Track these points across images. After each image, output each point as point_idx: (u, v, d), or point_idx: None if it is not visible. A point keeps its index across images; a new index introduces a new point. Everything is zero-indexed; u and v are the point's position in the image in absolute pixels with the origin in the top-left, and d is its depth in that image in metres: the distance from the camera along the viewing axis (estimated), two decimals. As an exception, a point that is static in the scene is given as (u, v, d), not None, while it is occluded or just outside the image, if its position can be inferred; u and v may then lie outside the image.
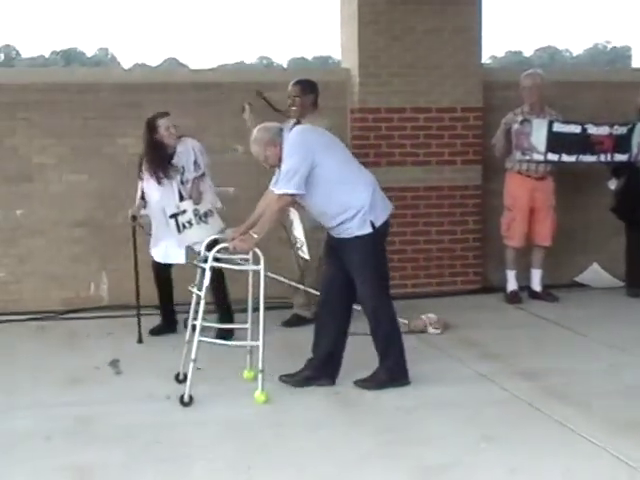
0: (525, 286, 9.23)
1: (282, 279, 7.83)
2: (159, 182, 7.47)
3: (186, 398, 5.97)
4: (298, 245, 6.80)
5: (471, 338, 7.71)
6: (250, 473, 4.94)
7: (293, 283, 8.07)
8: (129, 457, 5.17)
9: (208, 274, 6.11)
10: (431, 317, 8.03)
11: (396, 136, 9.28)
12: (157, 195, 7.53)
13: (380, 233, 6.27)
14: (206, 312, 6.21)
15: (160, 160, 7.48)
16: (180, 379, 6.35)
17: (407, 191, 9.32)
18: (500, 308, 8.95)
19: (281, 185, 6.12)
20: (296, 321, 8.17)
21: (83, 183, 8.29)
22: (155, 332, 7.74)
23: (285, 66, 58.41)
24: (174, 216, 7.42)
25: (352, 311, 6.54)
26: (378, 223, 6.21)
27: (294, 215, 6.63)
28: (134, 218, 7.57)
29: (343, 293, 6.38)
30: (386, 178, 9.16)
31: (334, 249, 6.39)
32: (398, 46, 9.20)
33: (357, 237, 6.19)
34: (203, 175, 7.65)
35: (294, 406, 6.02)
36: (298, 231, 6.74)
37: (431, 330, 7.90)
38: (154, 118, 7.50)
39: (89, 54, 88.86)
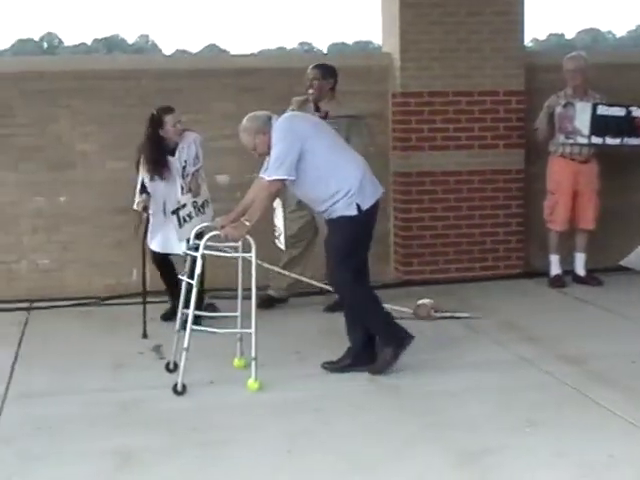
0: (569, 270, 9.16)
1: (267, 265, 7.83)
2: (162, 178, 7.43)
3: (179, 387, 5.94)
4: (276, 234, 6.76)
5: (514, 322, 7.67)
6: (291, 457, 4.96)
7: (276, 268, 8.10)
8: (171, 441, 5.20)
9: (200, 262, 6.09)
10: (428, 302, 8.00)
11: (438, 120, 9.23)
12: (159, 190, 7.48)
13: (366, 216, 6.23)
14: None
15: (162, 156, 7.44)
16: (171, 368, 6.34)
17: (450, 175, 9.28)
18: (543, 292, 8.90)
19: (271, 172, 6.09)
20: (270, 302, 8.26)
21: (125, 170, 8.29)
22: (167, 317, 7.68)
23: (325, 51, 58.35)
24: (176, 211, 7.39)
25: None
26: (365, 206, 6.18)
27: (277, 204, 6.58)
28: (145, 209, 7.50)
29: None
30: (428, 162, 9.21)
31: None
32: (439, 30, 9.14)
33: (341, 217, 6.18)
34: (201, 167, 7.61)
35: (335, 391, 6.02)
36: (279, 220, 6.69)
37: (437, 314, 7.88)
38: (160, 113, 7.44)
39: (130, 41, 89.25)
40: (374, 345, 6.45)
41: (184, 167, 7.47)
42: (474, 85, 9.26)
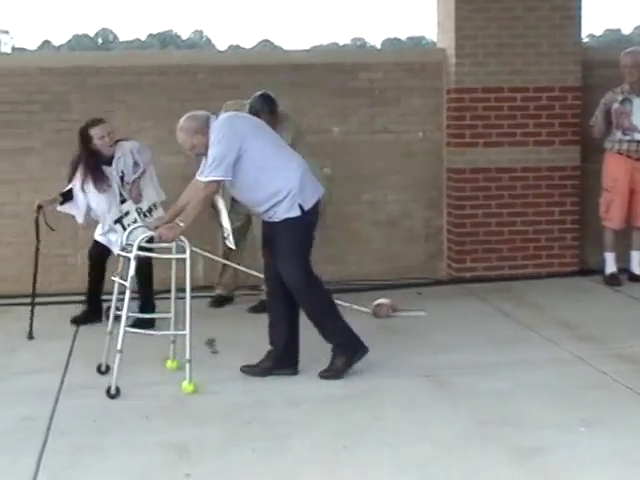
0: (624, 268, 9.07)
1: (214, 257, 7.96)
2: (99, 191, 7.38)
3: (113, 390, 5.87)
4: (225, 235, 6.74)
5: (568, 320, 7.60)
6: (346, 452, 4.96)
7: (225, 261, 8.14)
8: (226, 435, 5.23)
9: (133, 263, 6.04)
10: (387, 301, 7.98)
11: (493, 116, 9.17)
12: (98, 202, 7.43)
13: (309, 217, 6.16)
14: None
15: (95, 171, 7.38)
16: (102, 370, 6.31)
17: (504, 172, 9.22)
18: (598, 290, 8.82)
19: (208, 172, 6.01)
20: (221, 302, 8.34)
21: (180, 165, 8.33)
22: (80, 321, 7.62)
23: (378, 47, 58.25)
24: (118, 220, 7.39)
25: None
26: (307, 206, 6.11)
27: (221, 204, 6.55)
28: (39, 207, 7.42)
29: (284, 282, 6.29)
30: (482, 159, 9.17)
31: (268, 237, 6.34)
32: (495, 25, 9.08)
33: (286, 219, 6.10)
34: (144, 172, 7.55)
35: (388, 388, 6.00)
36: (225, 221, 6.66)
37: (395, 314, 7.88)
38: (86, 127, 7.39)
39: (184, 37, 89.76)
40: (297, 347, 6.36)
41: (122, 177, 7.43)
42: (530, 81, 9.19)
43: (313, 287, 6.24)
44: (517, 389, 5.93)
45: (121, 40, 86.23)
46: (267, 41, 74.86)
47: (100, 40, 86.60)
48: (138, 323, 6.77)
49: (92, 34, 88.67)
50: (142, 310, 7.30)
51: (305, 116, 8.91)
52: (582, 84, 9.28)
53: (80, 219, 7.58)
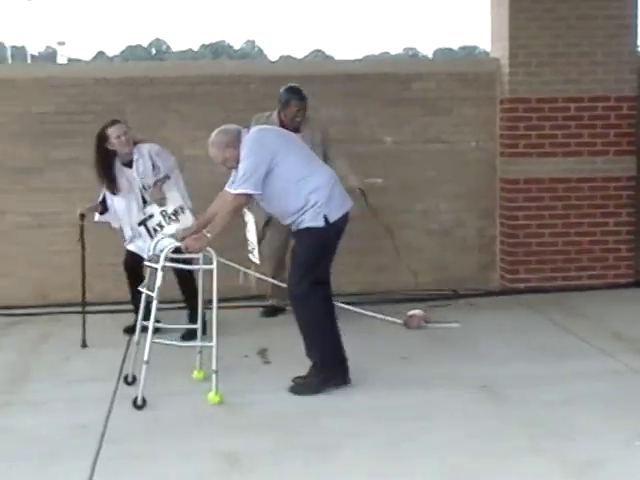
0: (680, 280, 8.96)
1: (249, 271, 7.95)
2: (113, 192, 7.46)
3: (139, 401, 5.88)
4: (250, 248, 6.71)
5: (623, 332, 7.51)
6: (395, 463, 4.95)
7: (256, 274, 8.13)
8: (277, 444, 5.23)
9: (160, 274, 6.03)
10: (419, 313, 7.94)
11: (547, 126, 9.11)
12: (121, 204, 7.51)
13: (333, 229, 6.14)
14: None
15: (110, 171, 7.45)
16: (129, 381, 6.33)
17: (558, 182, 9.15)
18: (653, 302, 8.71)
19: (237, 185, 6.03)
20: (274, 312, 8.37)
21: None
22: (132, 330, 7.31)
23: (430, 56, 58.14)
24: (142, 223, 7.39)
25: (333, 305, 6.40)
26: (332, 218, 6.09)
27: (249, 217, 6.52)
28: (82, 216, 7.51)
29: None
30: (536, 169, 9.11)
31: (294, 248, 6.38)
32: (548, 34, 9.03)
33: (308, 229, 6.09)
34: (167, 177, 7.55)
35: (440, 399, 5.98)
36: (251, 234, 6.63)
37: (428, 325, 7.82)
38: (103, 128, 7.44)
39: (236, 47, 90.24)
40: (342, 356, 6.27)
41: (142, 178, 7.46)
42: (584, 91, 9.12)
43: (309, 301, 6.16)
44: (571, 401, 5.87)
45: (174, 50, 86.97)
46: (319, 51, 75.09)
47: (153, 50, 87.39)
48: (186, 334, 6.83)
49: (145, 45, 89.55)
50: (190, 321, 7.26)
51: (358, 126, 8.94)
52: (638, 93, 9.19)
53: (115, 224, 7.69)
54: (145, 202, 7.51)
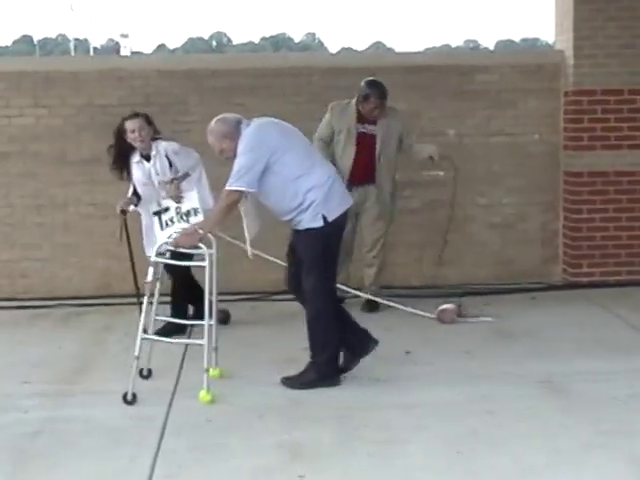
0: None
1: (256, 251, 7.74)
2: (121, 178, 7.53)
3: (129, 396, 5.89)
4: (245, 242, 6.65)
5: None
6: (460, 458, 4.91)
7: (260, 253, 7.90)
8: (340, 438, 5.22)
9: (150, 270, 6.05)
10: (452, 307, 7.85)
11: (612, 119, 8.99)
12: (142, 192, 7.51)
13: (333, 227, 6.06)
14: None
15: (123, 160, 7.47)
16: (144, 375, 6.32)
17: (623, 176, 9.03)
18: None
19: (231, 182, 5.96)
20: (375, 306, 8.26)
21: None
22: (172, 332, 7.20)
23: (492, 48, 57.75)
24: (157, 213, 7.34)
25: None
26: (331, 217, 6.02)
27: (244, 212, 6.43)
28: (123, 212, 7.52)
29: None
30: (600, 162, 9.01)
31: (293, 244, 6.29)
32: (614, 25, 8.90)
33: (307, 230, 6.03)
34: (187, 175, 7.48)
35: (504, 394, 5.92)
36: (246, 228, 6.55)
37: (460, 319, 7.75)
38: (123, 120, 7.43)
39: (297, 39, 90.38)
40: (359, 334, 6.28)
41: (158, 175, 7.43)
42: (651, 82, 8.98)
43: (327, 297, 6.18)
44: (636, 397, 5.79)
45: (235, 43, 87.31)
46: (379, 43, 74.93)
47: (214, 43, 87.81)
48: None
49: (206, 37, 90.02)
50: (194, 317, 7.25)
51: (420, 118, 8.88)
52: None
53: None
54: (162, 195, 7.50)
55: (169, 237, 6.38)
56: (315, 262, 6.09)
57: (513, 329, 7.51)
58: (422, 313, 7.86)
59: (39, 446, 5.22)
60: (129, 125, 7.38)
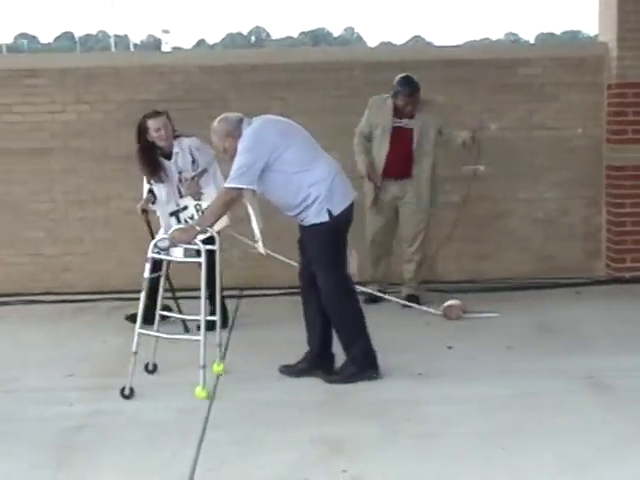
0: None
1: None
2: (160, 180, 7.45)
3: (127, 391, 5.91)
4: (255, 239, 6.60)
5: None
6: (503, 453, 4.88)
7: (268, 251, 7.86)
8: (381, 432, 5.21)
9: (147, 266, 6.03)
10: (457, 303, 7.80)
11: (656, 112, 8.91)
12: (159, 193, 7.49)
13: (338, 222, 6.05)
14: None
15: (153, 160, 7.42)
16: (150, 369, 6.36)
17: (667, 169, 8.95)
18: None
19: (230, 179, 5.97)
20: (375, 298, 8.26)
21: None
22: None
23: (532, 42, 57.40)
24: (174, 213, 7.34)
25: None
26: (336, 212, 6.01)
27: (251, 209, 6.40)
28: (144, 211, 7.53)
29: (314, 283, 6.19)
30: (644, 156, 8.91)
31: (301, 240, 6.29)
32: (659, 18, 8.82)
33: (313, 225, 6.03)
34: (205, 171, 7.50)
35: (547, 389, 5.88)
36: (254, 225, 6.52)
37: (466, 315, 7.70)
38: (144, 119, 7.39)
39: (335, 34, 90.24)
40: (330, 347, 6.30)
41: (180, 172, 7.43)
42: (696, 75, 8.88)
43: (344, 291, 6.18)
44: (680, 394, 5.73)
45: (273, 38, 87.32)
46: (418, 37, 74.67)
47: (253, 38, 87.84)
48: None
49: (245, 32, 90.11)
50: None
51: (461, 112, 8.83)
52: None
53: (159, 213, 7.68)
54: (181, 195, 7.51)
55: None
56: (325, 257, 6.12)
57: (555, 324, 7.46)
58: (428, 309, 7.85)
59: (83, 440, 5.25)
60: (153, 124, 7.38)
